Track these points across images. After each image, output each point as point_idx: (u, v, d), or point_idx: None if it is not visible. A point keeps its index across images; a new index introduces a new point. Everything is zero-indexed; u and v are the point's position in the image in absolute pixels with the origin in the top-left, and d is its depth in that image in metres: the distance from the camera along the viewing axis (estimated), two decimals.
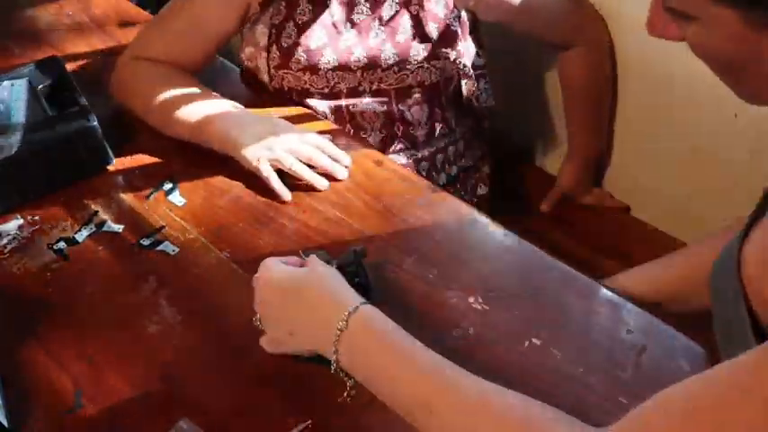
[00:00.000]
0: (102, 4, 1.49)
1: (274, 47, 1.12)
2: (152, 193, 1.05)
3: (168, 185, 1.06)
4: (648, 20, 0.66)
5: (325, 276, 0.76)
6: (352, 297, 0.73)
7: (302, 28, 1.10)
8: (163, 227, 1.00)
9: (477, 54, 1.19)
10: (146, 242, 0.98)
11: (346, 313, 0.70)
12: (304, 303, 0.75)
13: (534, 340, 0.81)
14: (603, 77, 1.28)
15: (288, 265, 0.81)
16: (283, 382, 0.80)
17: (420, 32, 1.10)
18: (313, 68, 1.12)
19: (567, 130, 1.34)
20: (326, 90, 1.15)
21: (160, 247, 0.97)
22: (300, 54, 1.11)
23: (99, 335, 0.87)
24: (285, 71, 1.14)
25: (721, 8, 0.59)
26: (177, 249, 0.97)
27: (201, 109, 1.07)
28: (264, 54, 1.14)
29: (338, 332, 0.70)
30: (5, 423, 0.77)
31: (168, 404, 0.79)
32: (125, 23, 1.42)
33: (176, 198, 1.04)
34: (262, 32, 1.13)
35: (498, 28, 1.20)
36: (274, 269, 0.79)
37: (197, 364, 0.83)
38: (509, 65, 1.38)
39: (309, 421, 0.76)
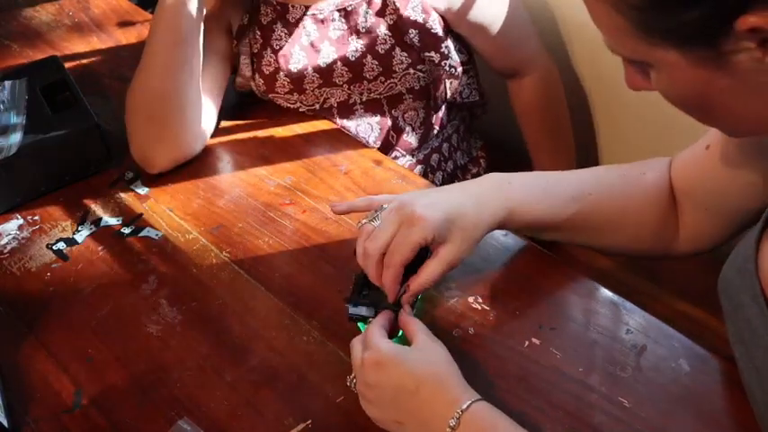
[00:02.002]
0: (102, 4, 1.48)
1: (257, 75, 1.12)
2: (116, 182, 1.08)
3: (129, 174, 1.09)
4: (625, 76, 0.67)
5: (441, 372, 0.73)
6: (465, 394, 0.70)
7: (280, 53, 1.09)
8: (140, 214, 1.02)
9: (460, 51, 1.19)
10: (126, 230, 0.99)
11: (459, 411, 0.68)
12: (418, 400, 0.71)
13: (534, 340, 0.81)
14: (558, 99, 1.30)
15: (385, 330, 0.77)
16: (283, 382, 0.80)
17: (400, 41, 1.10)
18: (299, 89, 1.12)
19: (532, 157, 1.34)
20: (317, 107, 1.15)
21: (143, 234, 0.99)
22: (283, 79, 1.11)
23: (99, 335, 0.87)
24: (273, 95, 1.14)
25: (662, 50, 0.59)
26: (161, 233, 0.98)
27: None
28: (252, 83, 1.15)
29: (450, 430, 0.68)
30: (5, 423, 0.77)
31: (168, 404, 0.79)
32: (125, 23, 1.42)
33: (140, 188, 1.07)
34: (245, 63, 1.13)
35: None
36: (384, 353, 0.72)
37: (197, 364, 0.83)
38: None
39: (309, 421, 0.76)
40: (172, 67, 1.02)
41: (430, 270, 0.78)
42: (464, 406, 0.68)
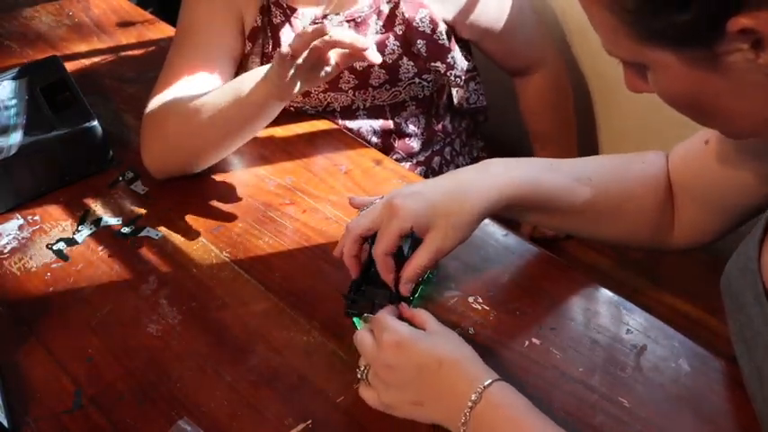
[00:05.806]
0: (102, 4, 1.49)
1: None
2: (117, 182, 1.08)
3: (129, 174, 1.08)
4: (624, 78, 0.67)
5: (461, 352, 0.73)
6: (486, 373, 0.71)
7: None
8: (140, 214, 1.02)
9: (466, 58, 1.19)
10: (126, 230, 0.99)
11: (481, 387, 0.69)
12: (440, 378, 0.72)
13: (534, 340, 0.81)
14: (566, 96, 1.30)
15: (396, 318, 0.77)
16: (283, 382, 0.80)
17: (407, 50, 1.10)
18: (304, 93, 1.12)
19: (535, 155, 1.34)
20: (320, 108, 1.15)
21: (143, 234, 0.99)
22: None
23: (99, 335, 0.87)
24: None
25: (657, 52, 0.59)
26: (161, 233, 0.98)
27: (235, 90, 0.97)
28: None
29: (471, 405, 0.68)
30: (5, 423, 0.77)
31: (168, 404, 0.79)
32: (125, 23, 1.42)
33: (140, 188, 1.06)
34: (253, 62, 1.13)
35: None
36: (405, 334, 0.73)
37: (197, 364, 0.83)
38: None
39: (309, 421, 0.76)
40: (233, 136, 1.00)
41: (417, 258, 0.79)
42: (486, 383, 0.69)
